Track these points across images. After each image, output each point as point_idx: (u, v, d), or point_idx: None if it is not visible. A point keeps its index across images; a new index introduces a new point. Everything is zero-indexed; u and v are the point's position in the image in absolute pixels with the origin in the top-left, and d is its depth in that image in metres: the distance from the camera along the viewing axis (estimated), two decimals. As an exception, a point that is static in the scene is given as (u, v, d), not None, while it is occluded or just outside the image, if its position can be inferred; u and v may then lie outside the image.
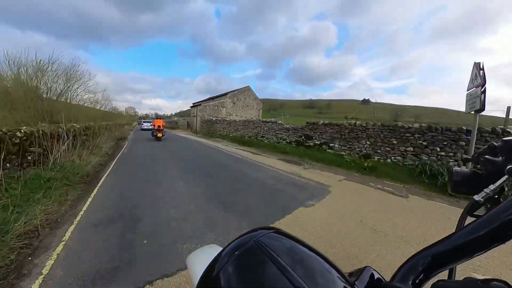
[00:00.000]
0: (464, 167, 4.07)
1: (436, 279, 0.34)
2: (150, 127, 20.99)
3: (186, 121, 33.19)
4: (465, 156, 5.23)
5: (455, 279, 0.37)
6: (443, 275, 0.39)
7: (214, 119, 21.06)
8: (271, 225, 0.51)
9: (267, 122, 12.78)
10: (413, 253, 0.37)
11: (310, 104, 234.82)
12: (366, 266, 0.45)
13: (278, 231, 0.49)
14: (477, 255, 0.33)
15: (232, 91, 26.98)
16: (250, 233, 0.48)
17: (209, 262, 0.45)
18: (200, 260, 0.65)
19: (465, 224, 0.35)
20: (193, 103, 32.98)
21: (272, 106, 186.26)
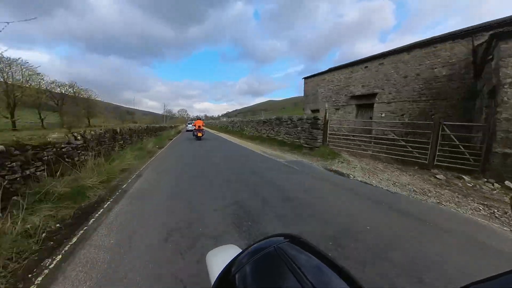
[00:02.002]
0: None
1: None
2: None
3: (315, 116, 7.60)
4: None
5: None
6: None
7: None
8: (294, 233, 0.50)
9: None
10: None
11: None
12: None
13: (300, 240, 0.47)
14: None
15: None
16: (270, 238, 0.46)
17: (228, 263, 0.45)
18: (219, 259, 0.64)
19: None
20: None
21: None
